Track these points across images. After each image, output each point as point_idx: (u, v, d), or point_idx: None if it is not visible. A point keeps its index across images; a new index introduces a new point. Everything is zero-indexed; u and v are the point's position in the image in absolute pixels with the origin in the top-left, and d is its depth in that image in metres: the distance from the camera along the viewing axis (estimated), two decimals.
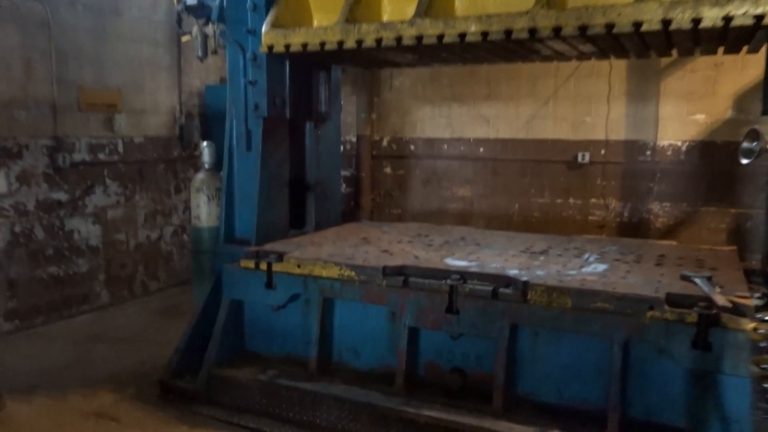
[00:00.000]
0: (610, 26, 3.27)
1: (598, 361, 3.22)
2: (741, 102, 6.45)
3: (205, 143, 4.95)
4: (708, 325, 2.87)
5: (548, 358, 3.37)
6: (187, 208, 7.49)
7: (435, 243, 4.54)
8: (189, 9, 4.94)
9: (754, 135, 4.13)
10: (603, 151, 7.06)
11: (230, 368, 4.09)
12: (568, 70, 7.10)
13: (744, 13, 3.00)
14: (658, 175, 6.86)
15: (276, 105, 4.44)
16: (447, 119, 7.81)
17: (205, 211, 4.79)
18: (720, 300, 2.95)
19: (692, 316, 2.92)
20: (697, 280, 3.29)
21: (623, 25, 3.23)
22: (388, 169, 8.22)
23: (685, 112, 6.68)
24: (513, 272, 3.56)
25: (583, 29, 3.32)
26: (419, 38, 3.71)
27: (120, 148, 6.65)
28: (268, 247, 4.28)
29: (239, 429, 3.82)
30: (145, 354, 4.96)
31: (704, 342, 2.87)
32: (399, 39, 3.77)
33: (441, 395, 3.56)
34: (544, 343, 3.37)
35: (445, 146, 7.83)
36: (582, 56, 4.34)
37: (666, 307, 3.01)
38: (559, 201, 7.36)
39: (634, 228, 7.04)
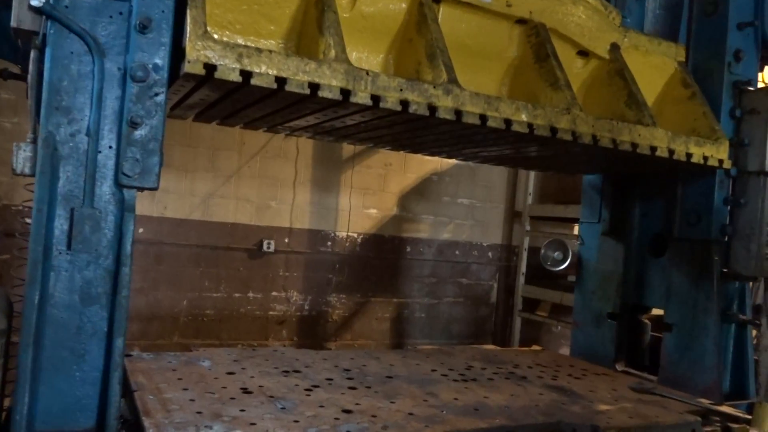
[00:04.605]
0: (634, 145, 3.20)
1: None
2: (404, 200, 7.08)
3: None
4: None
5: None
6: None
7: (360, 381, 3.22)
8: None
9: (559, 245, 4.64)
10: (287, 240, 6.48)
11: None
12: (254, 147, 6.29)
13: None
14: (337, 266, 6.74)
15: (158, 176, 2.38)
16: None
17: None
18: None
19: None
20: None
21: (644, 147, 3.23)
22: None
23: (362, 205, 6.85)
24: (542, 418, 2.92)
25: (614, 142, 3.15)
26: (458, 113, 2.72)
27: None
28: None
29: None
30: None
31: None
32: (433, 109, 2.66)
33: None
34: None
35: None
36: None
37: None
38: (237, 295, 6.29)
39: (313, 321, 6.66)
